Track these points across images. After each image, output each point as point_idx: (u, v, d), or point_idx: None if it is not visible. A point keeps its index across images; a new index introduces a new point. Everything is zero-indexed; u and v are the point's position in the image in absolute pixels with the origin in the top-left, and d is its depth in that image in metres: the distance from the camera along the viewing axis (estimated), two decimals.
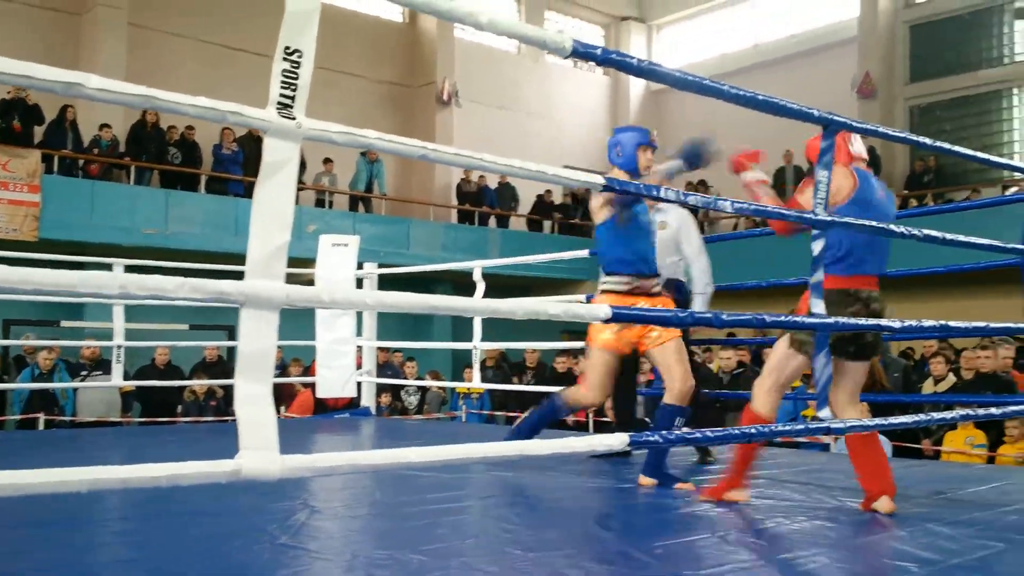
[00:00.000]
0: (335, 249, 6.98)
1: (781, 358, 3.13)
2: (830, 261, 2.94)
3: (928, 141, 3.25)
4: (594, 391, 3.73)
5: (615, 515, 3.11)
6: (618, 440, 2.12)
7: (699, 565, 2.43)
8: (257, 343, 1.44)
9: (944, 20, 16.55)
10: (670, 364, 3.60)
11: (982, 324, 3.37)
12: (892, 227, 2.91)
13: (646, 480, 3.67)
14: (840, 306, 2.98)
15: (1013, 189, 12.28)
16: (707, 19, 20.41)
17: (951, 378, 6.71)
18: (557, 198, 17.48)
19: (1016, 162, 13.61)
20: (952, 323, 3.17)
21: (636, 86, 20.80)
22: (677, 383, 3.57)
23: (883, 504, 3.03)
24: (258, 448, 1.45)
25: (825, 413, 2.68)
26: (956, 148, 3.42)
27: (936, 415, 3.22)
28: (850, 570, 2.49)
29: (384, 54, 17.62)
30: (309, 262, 6.91)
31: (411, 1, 1.85)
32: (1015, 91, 15.96)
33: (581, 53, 2.13)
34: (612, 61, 2.22)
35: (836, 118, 2.72)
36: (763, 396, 3.15)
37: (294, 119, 1.58)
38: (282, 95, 1.57)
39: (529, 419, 3.99)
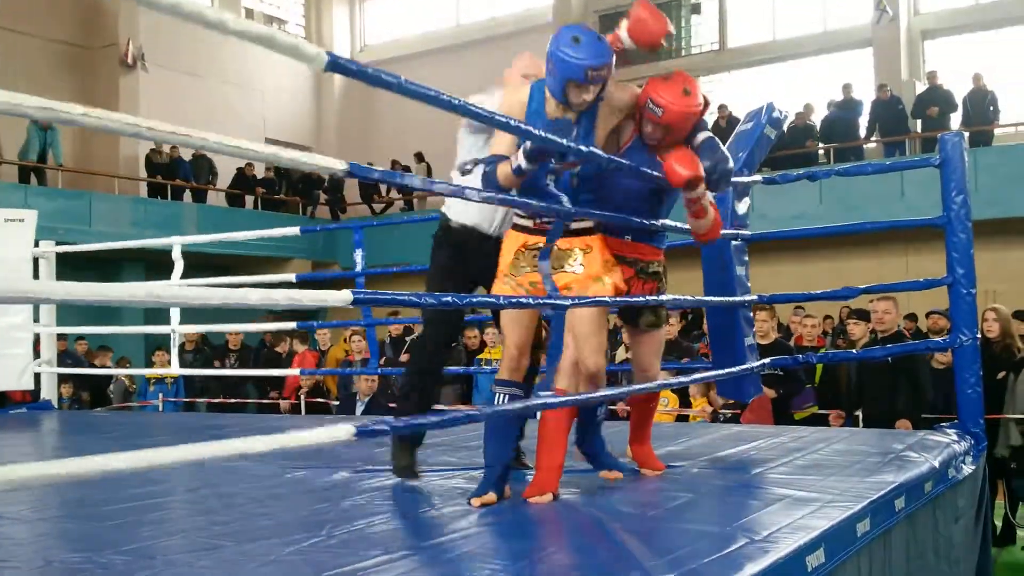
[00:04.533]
0: (8, 225, 6.25)
1: None
2: None
3: None
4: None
5: (335, 498, 3.03)
6: (344, 432, 2.03)
7: (429, 534, 2.44)
8: None
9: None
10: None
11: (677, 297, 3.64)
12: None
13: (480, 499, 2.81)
14: None
15: None
16: None
17: None
18: (259, 172, 16.77)
19: None
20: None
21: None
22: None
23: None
24: None
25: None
26: None
27: (637, 386, 3.40)
28: (552, 527, 2.62)
29: (58, 10, 15.90)
30: None
31: None
32: None
33: (340, 67, 1.93)
34: (369, 77, 2.05)
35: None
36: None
37: None
38: None
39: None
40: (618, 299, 3.01)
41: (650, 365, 3.24)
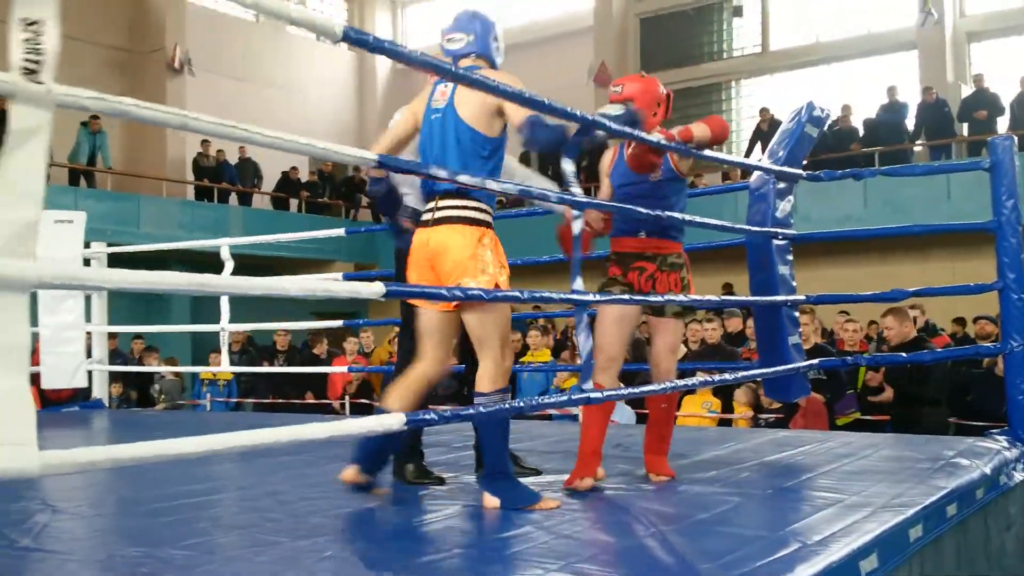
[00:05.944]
0: (58, 226, 6.38)
1: None
2: None
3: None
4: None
5: (385, 496, 3.07)
6: (396, 420, 2.09)
7: (478, 533, 2.46)
8: (8, 330, 1.27)
9: (671, 15, 17.80)
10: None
11: (709, 297, 3.64)
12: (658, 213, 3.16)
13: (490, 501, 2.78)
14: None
15: (729, 180, 13.44)
16: (452, 0, 20.64)
17: (682, 348, 7.26)
18: (304, 175, 16.97)
19: (734, 151, 14.67)
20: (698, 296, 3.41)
21: (383, 62, 20.65)
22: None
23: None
24: (12, 444, 1.29)
25: (588, 384, 2.78)
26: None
27: (679, 382, 3.43)
28: (603, 529, 2.63)
29: (107, 15, 16.21)
30: None
31: None
32: (733, 84, 17.50)
33: (353, 39, 2.05)
34: (385, 49, 2.15)
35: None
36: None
37: (42, 83, 1.42)
38: (27, 60, 1.41)
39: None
40: (676, 298, 3.11)
41: (664, 358, 3.31)
